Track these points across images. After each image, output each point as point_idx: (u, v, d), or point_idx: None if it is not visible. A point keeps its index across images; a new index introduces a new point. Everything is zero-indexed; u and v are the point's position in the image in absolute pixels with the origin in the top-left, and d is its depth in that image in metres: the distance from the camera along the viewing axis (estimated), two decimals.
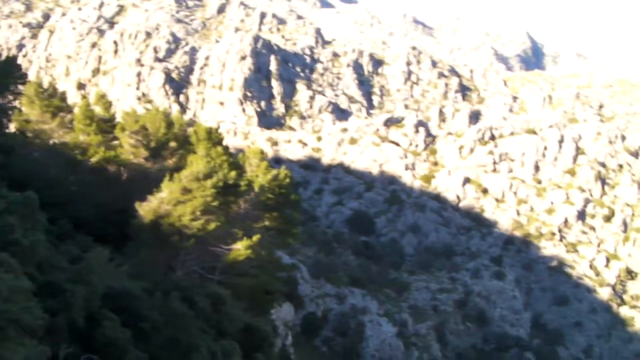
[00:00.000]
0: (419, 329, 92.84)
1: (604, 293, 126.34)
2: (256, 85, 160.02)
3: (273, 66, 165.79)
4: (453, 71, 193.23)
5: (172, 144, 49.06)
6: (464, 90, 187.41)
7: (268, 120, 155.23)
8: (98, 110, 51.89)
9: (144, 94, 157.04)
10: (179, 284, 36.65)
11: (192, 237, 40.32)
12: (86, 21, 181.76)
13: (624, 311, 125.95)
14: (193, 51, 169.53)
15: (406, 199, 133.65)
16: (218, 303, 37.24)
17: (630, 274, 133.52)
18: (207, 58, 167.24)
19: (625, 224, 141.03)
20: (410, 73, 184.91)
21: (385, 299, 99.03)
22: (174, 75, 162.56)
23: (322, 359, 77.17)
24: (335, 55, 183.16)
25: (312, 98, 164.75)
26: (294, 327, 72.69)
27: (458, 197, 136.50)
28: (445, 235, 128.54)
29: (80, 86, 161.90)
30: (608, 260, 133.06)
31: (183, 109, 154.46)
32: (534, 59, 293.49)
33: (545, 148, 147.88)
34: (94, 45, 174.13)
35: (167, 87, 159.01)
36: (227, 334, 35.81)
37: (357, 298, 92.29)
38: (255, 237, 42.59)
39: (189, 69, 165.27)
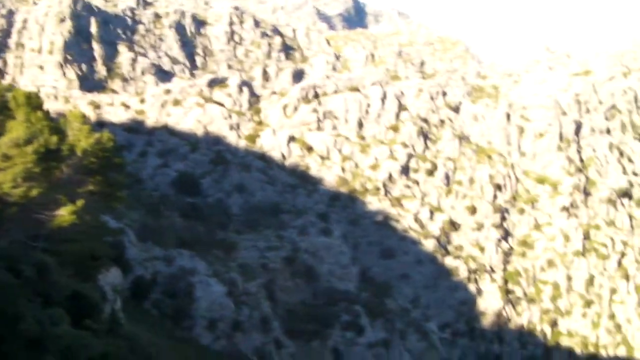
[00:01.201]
0: (248, 288, 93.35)
1: (428, 245, 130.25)
2: (76, 48, 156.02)
3: (94, 28, 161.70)
4: (276, 31, 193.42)
5: None
6: (287, 49, 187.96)
7: (90, 84, 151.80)
8: None
9: None
10: (2, 253, 35.92)
11: (14, 205, 39.47)
12: None
13: (449, 261, 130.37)
14: (10, 14, 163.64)
15: (231, 159, 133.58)
16: (44, 271, 36.73)
17: (453, 225, 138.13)
18: (25, 21, 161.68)
19: (447, 178, 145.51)
20: (233, 33, 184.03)
21: (214, 259, 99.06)
22: None
23: (153, 322, 76.70)
24: (157, 16, 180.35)
25: (134, 60, 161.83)
26: (123, 292, 71.91)
27: (283, 156, 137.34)
28: (272, 194, 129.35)
29: None
30: (432, 213, 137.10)
31: (1, 74, 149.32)
32: (356, 17, 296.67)
33: (369, 105, 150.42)
34: None
35: None
36: (55, 302, 35.36)
37: (185, 259, 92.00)
38: (80, 202, 42.04)
39: (7, 33, 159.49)
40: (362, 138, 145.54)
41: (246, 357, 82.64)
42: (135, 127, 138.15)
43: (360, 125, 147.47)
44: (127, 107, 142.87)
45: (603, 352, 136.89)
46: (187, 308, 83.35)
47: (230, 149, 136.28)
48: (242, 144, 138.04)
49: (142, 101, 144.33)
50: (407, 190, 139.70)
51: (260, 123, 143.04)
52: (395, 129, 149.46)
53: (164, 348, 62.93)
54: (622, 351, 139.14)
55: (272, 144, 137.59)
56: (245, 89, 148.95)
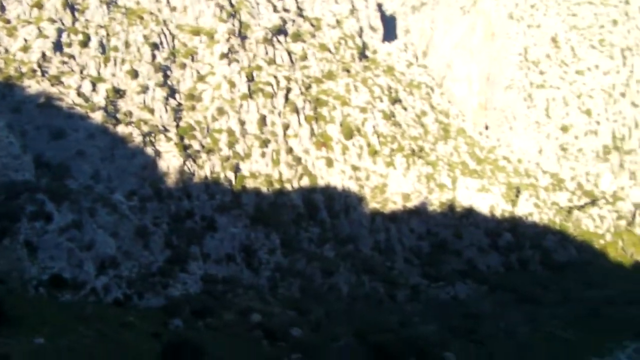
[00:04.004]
0: None
1: (97, 117, 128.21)
2: None
3: None
4: None
5: None
6: None
7: None
8: None
9: None
10: None
11: None
12: None
13: (121, 129, 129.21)
14: None
15: None
16: None
17: (118, 92, 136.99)
18: None
19: (102, 46, 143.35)
20: None
21: None
22: None
23: None
24: None
25: None
26: None
27: None
28: None
29: None
30: (94, 84, 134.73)
31: None
32: None
33: None
34: None
35: None
36: None
37: None
38: None
39: None
40: (7, 21, 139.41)
41: None
42: None
43: (2, 7, 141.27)
44: None
45: (288, 186, 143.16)
46: None
47: None
48: None
49: None
50: (64, 67, 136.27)
51: None
52: (39, 5, 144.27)
53: None
54: (305, 182, 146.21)
55: None
56: None
